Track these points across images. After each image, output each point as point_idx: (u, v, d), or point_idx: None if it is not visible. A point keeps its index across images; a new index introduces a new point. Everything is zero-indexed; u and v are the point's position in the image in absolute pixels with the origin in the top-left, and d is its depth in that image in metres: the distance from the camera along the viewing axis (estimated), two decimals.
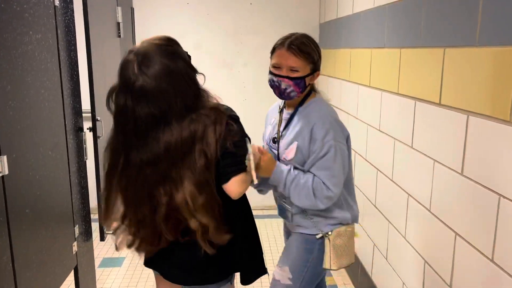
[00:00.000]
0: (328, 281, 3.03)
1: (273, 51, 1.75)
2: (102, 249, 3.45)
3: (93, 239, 2.68)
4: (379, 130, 2.46)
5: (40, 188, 1.91)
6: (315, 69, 1.74)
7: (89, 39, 2.47)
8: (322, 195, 1.66)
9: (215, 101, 1.45)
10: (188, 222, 1.39)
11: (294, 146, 1.71)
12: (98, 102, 2.65)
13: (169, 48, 1.36)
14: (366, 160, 2.70)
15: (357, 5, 2.89)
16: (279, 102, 1.91)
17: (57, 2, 2.08)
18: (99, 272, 3.08)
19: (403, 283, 2.14)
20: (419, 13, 1.94)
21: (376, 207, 2.53)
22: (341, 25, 3.29)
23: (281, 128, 1.81)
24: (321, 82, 4.02)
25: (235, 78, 4.11)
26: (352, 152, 2.97)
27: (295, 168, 1.74)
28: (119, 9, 3.29)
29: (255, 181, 1.48)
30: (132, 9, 3.83)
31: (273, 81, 1.71)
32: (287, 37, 1.72)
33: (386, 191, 2.37)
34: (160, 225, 1.41)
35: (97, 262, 3.21)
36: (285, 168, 1.70)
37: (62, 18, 2.17)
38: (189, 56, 1.44)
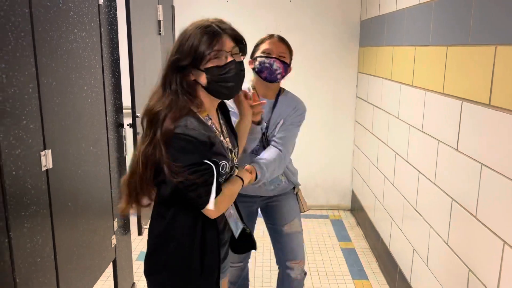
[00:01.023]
0: (364, 285, 2.97)
1: (260, 42, 2.06)
2: (140, 243, 3.52)
3: (131, 233, 2.74)
4: (421, 131, 2.37)
5: (81, 182, 1.96)
6: (290, 63, 2.06)
7: (130, 37, 2.51)
8: (282, 160, 2.00)
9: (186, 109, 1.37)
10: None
11: (280, 123, 2.05)
12: (138, 98, 2.70)
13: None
14: (407, 161, 2.61)
15: (400, 1, 2.80)
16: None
17: (101, 1, 2.13)
18: (136, 265, 3.14)
19: None
20: (468, 9, 1.85)
21: (416, 210, 2.45)
22: (383, 22, 3.19)
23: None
24: (361, 81, 3.94)
25: None
26: (392, 153, 2.90)
27: (254, 157, 1.99)
28: (160, 7, 3.33)
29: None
30: (173, 7, 3.88)
31: (264, 62, 1.98)
32: (272, 34, 2.08)
33: (428, 195, 2.28)
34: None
35: (134, 256, 3.27)
36: (259, 168, 1.85)
37: (105, 16, 2.22)
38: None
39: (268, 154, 1.96)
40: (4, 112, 1.36)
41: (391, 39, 3.01)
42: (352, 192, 4.28)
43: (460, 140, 1.92)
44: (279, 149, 2.00)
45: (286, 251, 2.21)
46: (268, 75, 1.99)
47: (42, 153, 1.59)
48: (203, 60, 1.35)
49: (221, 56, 1.36)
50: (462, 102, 1.90)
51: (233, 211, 1.59)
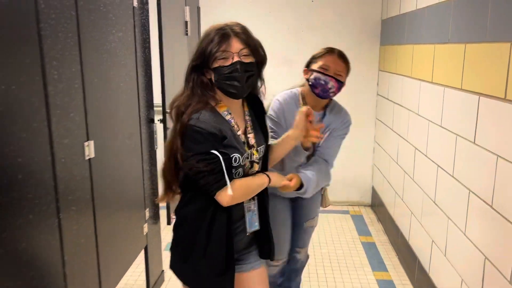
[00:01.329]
0: (383, 276, 3.04)
1: (320, 55, 2.02)
2: (168, 233, 3.67)
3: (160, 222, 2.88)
4: (440, 126, 2.45)
5: (118, 172, 2.11)
6: (345, 81, 2.02)
7: (161, 37, 2.65)
8: (328, 172, 2.10)
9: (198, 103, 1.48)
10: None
11: (326, 135, 2.06)
12: (168, 95, 2.84)
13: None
14: (426, 156, 2.69)
15: (421, 0, 2.87)
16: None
17: (135, 3, 2.28)
18: (165, 254, 3.29)
19: (462, 280, 2.13)
20: (485, 7, 1.92)
21: (435, 203, 2.52)
22: (404, 21, 3.26)
23: None
24: (382, 79, 4.00)
25: (296, 75, 4.17)
26: (412, 148, 2.96)
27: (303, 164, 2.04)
28: (187, 8, 3.47)
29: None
30: (198, 8, 4.02)
31: (319, 79, 1.96)
32: (332, 47, 2.02)
33: (446, 187, 2.35)
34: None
35: (163, 246, 3.42)
36: (305, 178, 1.87)
37: (139, 17, 2.37)
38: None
39: (315, 165, 2.00)
40: (56, 105, 1.51)
41: (411, 37, 3.08)
42: (373, 188, 4.35)
43: (477, 133, 1.99)
44: (325, 160, 2.06)
45: (299, 241, 2.38)
46: (321, 92, 1.98)
47: (86, 143, 1.74)
48: (211, 60, 1.46)
49: (228, 57, 1.45)
50: (479, 97, 1.97)
51: (254, 206, 1.64)
